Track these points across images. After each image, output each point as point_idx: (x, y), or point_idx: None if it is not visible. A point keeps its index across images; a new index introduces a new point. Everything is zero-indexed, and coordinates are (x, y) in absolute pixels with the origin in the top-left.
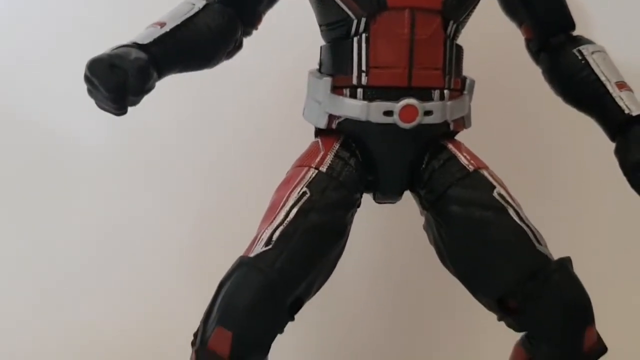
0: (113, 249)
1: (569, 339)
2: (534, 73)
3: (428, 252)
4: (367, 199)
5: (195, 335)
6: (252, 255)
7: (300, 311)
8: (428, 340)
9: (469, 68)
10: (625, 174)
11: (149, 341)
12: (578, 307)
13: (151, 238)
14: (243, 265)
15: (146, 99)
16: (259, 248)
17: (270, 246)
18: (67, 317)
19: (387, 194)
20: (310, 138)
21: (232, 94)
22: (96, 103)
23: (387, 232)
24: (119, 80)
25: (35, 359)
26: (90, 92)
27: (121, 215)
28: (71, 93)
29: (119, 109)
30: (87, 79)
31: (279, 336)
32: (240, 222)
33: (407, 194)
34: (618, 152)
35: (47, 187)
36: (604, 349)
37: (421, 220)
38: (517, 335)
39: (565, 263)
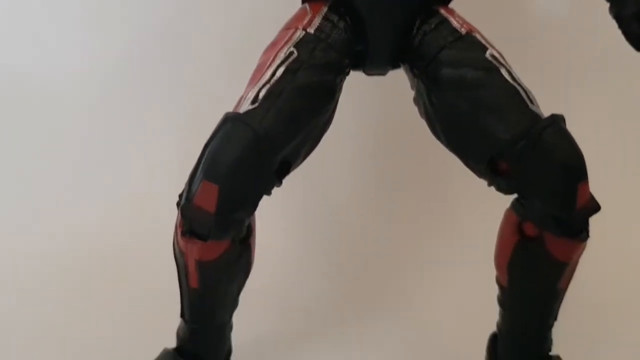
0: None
1: (562, 195)
2: None
3: (418, 131)
4: (352, 83)
5: (180, 195)
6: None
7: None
8: (416, 226)
9: None
10: (622, 28)
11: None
12: (570, 163)
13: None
14: (229, 120)
15: None
16: (245, 107)
17: (256, 104)
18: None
19: (377, 62)
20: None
21: None
22: None
23: (376, 114)
24: None
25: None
26: None
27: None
28: None
29: None
30: None
31: (266, 213)
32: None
33: (396, 75)
34: (613, 8)
35: None
36: (597, 207)
37: (410, 104)
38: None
39: (557, 119)
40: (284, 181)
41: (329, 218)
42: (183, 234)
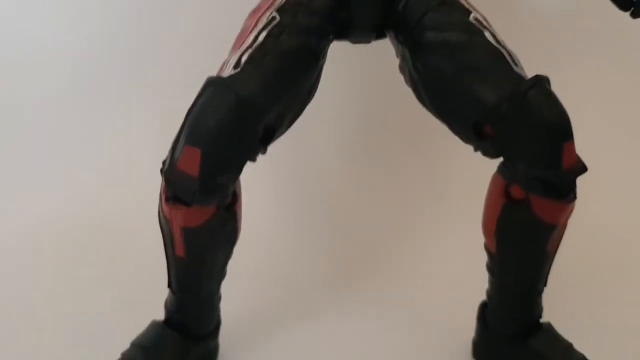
0: None
1: (547, 156)
2: None
3: (403, 100)
4: (337, 53)
5: (164, 162)
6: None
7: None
8: (404, 196)
9: None
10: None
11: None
12: (555, 122)
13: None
14: (211, 84)
15: None
16: (228, 71)
17: (239, 69)
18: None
19: (361, 29)
20: None
21: None
22: None
23: (361, 84)
24: None
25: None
26: None
27: None
28: None
29: None
30: None
31: (254, 175)
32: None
33: (381, 45)
34: None
35: None
36: (583, 168)
37: (395, 73)
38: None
39: (542, 80)
40: (271, 152)
41: (318, 189)
42: (167, 200)
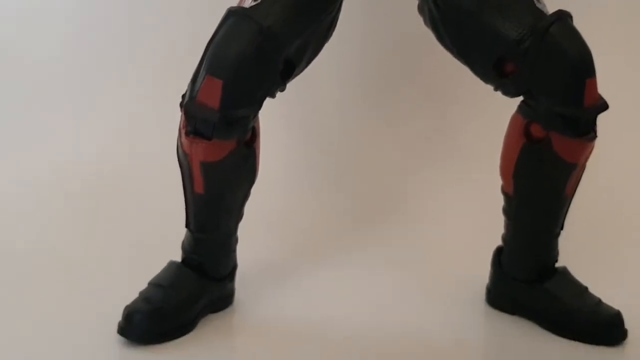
0: None
1: (570, 91)
2: None
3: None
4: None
5: (183, 96)
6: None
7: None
8: (413, 132)
9: None
10: None
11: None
12: (578, 58)
13: None
14: (232, 15)
15: None
16: (248, 2)
17: (259, 1)
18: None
19: None
20: None
21: None
22: None
23: (379, 28)
24: None
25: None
26: None
27: None
28: None
29: None
30: None
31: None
32: None
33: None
34: None
35: None
36: (605, 106)
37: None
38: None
39: (564, 15)
40: (282, 100)
41: (328, 137)
42: (187, 134)
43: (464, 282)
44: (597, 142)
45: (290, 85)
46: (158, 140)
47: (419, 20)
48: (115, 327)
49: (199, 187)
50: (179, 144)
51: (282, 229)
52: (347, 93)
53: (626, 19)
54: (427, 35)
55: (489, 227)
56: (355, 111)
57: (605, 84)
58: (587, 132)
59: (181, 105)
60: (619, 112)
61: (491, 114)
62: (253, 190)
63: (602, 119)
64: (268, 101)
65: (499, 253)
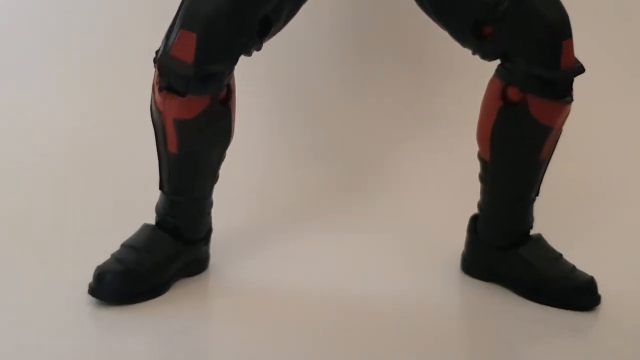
0: None
1: (546, 52)
2: None
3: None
4: None
5: (157, 52)
6: None
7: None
8: (395, 94)
9: None
10: None
11: None
12: (555, 20)
13: None
14: None
15: None
16: None
17: None
18: None
19: None
20: None
21: None
22: None
23: None
24: None
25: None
26: None
27: None
28: None
29: None
30: None
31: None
32: None
33: None
34: None
35: None
36: (581, 69)
37: None
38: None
39: None
40: (264, 55)
41: (310, 96)
42: (161, 89)
43: (440, 248)
44: (574, 107)
45: (268, 45)
46: (134, 104)
47: None
48: (86, 290)
49: (173, 146)
50: (153, 101)
51: (259, 194)
52: (327, 59)
53: None
54: (407, 0)
55: (466, 194)
56: (334, 78)
57: (582, 51)
58: (563, 95)
59: (154, 60)
60: (595, 77)
61: (470, 80)
62: (230, 153)
63: (578, 85)
64: (246, 64)
65: (474, 220)
